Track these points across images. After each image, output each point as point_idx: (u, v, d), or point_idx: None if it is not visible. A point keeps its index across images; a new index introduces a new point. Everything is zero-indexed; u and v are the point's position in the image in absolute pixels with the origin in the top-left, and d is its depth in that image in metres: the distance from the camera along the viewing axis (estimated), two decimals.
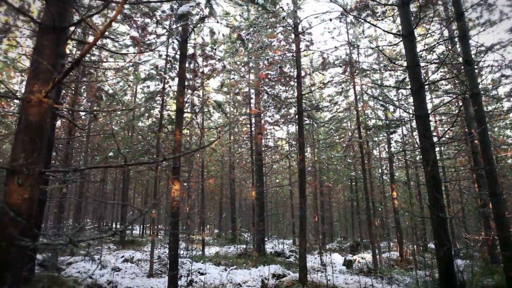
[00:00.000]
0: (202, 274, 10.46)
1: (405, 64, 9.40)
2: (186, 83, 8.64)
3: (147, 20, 8.99)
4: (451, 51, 8.91)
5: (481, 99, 8.49)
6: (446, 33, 12.60)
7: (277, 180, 28.75)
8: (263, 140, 16.46)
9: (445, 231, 5.76)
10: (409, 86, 6.73)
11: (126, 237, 19.79)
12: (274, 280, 10.13)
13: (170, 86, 11.32)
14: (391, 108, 14.53)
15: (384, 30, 6.68)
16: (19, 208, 2.71)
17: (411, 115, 17.57)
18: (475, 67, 9.30)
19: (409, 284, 8.79)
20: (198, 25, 9.27)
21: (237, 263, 12.47)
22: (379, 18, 8.94)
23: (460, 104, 13.11)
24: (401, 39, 7.02)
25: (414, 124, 19.83)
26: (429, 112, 6.32)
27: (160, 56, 11.49)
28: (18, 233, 2.67)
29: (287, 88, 12.71)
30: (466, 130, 12.00)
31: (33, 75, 3.00)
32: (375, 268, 11.20)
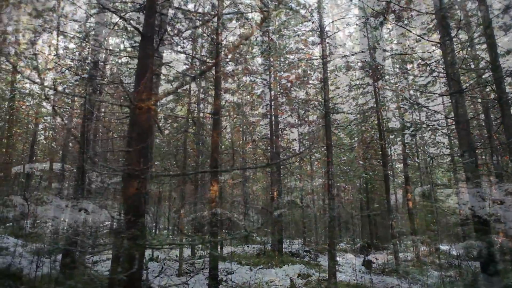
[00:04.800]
0: (229, 273, 10.65)
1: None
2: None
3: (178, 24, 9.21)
4: (479, 57, 9.16)
5: (509, 104, 8.73)
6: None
7: (285, 181, 28.92)
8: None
9: (486, 231, 5.99)
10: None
11: None
12: (300, 279, 10.34)
13: (202, 87, 11.50)
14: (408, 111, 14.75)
15: (423, 38, 6.89)
16: (138, 209, 2.89)
17: (427, 119, 17.79)
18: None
19: (436, 284, 9.02)
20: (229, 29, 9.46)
21: (259, 263, 12.66)
22: (412, 25, 9.13)
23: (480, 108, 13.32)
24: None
25: (424, 127, 20.06)
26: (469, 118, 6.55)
27: (187, 58, 11.66)
28: (139, 232, 2.86)
29: (309, 90, 12.92)
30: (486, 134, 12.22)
31: (142, 84, 3.18)
32: (397, 268, 11.43)
